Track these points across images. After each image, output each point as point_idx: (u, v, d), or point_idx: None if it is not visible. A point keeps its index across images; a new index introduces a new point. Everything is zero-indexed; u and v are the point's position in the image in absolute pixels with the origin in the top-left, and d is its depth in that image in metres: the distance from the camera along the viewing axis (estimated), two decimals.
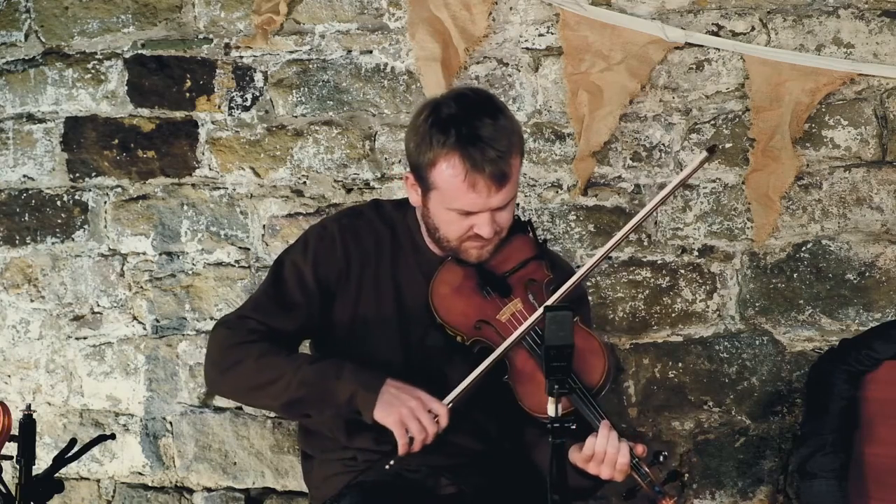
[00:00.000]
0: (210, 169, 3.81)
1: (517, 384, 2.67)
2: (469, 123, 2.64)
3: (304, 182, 3.77)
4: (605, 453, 2.52)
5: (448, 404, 2.64)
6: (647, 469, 2.53)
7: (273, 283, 2.87)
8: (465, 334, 2.73)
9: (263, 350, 2.73)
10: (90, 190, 3.84)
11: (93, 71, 3.83)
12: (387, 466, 2.66)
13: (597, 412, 2.59)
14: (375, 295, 2.83)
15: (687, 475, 3.69)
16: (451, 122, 2.65)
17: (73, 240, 3.85)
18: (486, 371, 2.65)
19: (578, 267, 3.64)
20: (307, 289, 2.82)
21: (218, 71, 3.79)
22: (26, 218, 3.86)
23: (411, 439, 2.62)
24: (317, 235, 2.90)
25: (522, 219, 2.86)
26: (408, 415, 2.60)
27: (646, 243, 3.68)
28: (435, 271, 2.79)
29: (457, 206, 2.67)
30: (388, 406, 2.62)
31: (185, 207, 3.81)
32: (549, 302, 2.66)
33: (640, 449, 2.54)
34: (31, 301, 3.85)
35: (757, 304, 3.66)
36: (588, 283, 3.66)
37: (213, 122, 3.80)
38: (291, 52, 3.77)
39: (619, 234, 2.72)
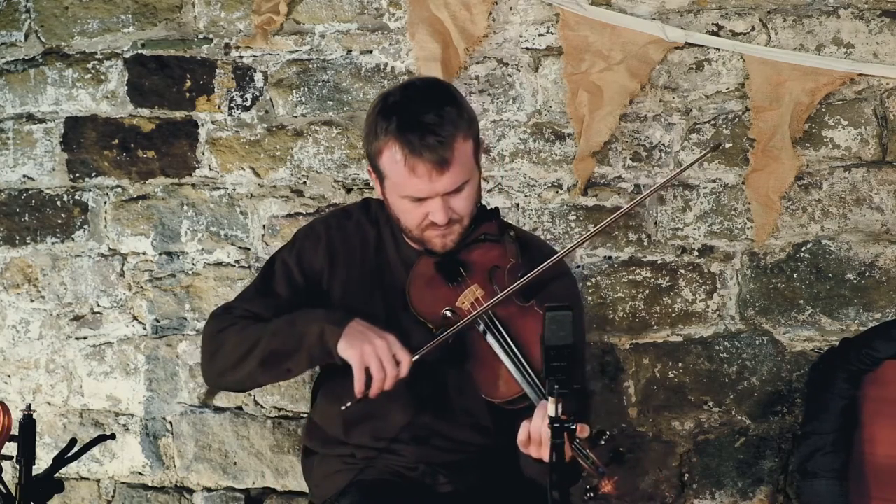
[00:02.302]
0: (210, 169, 3.81)
1: (474, 371, 2.69)
2: (410, 110, 2.67)
3: (304, 182, 3.77)
4: (539, 435, 2.48)
5: (414, 356, 2.62)
6: (588, 451, 2.47)
7: (262, 278, 2.92)
8: (435, 324, 2.74)
9: (245, 325, 2.77)
10: (90, 190, 3.84)
11: (93, 71, 3.83)
12: (342, 408, 2.62)
13: (538, 391, 2.57)
14: (363, 293, 2.85)
15: (687, 475, 3.69)
16: (393, 109, 2.69)
17: (73, 240, 3.85)
18: (448, 338, 2.66)
19: (578, 268, 3.65)
20: (294, 283, 2.85)
21: (218, 71, 3.79)
22: (26, 218, 3.86)
23: (369, 383, 2.60)
24: (304, 234, 2.95)
25: (488, 208, 2.87)
26: (370, 352, 2.58)
27: (646, 243, 3.68)
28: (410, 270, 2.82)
29: (405, 192, 2.69)
30: (352, 339, 2.60)
31: (185, 207, 3.81)
32: (515, 286, 2.67)
33: (580, 428, 2.47)
34: (31, 301, 3.85)
35: (757, 304, 3.66)
36: (588, 283, 3.66)
37: (213, 122, 3.80)
38: (291, 52, 3.77)
39: (608, 220, 2.78)
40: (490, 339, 2.67)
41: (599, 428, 2.47)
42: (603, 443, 2.45)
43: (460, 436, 2.82)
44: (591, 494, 2.45)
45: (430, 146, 2.63)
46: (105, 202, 3.84)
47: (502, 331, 2.67)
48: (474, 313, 2.67)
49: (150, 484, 3.83)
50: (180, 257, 3.81)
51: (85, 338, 3.84)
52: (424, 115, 2.66)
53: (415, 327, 2.78)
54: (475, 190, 2.76)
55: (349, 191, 3.75)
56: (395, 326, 2.79)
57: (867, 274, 3.63)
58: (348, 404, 2.62)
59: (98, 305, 3.84)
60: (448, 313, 2.74)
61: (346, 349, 2.60)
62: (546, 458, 2.43)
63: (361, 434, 2.81)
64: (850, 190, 3.63)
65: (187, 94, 3.81)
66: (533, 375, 2.60)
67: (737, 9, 3.64)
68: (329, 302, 2.85)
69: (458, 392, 2.80)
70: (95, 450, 3.21)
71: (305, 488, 3.08)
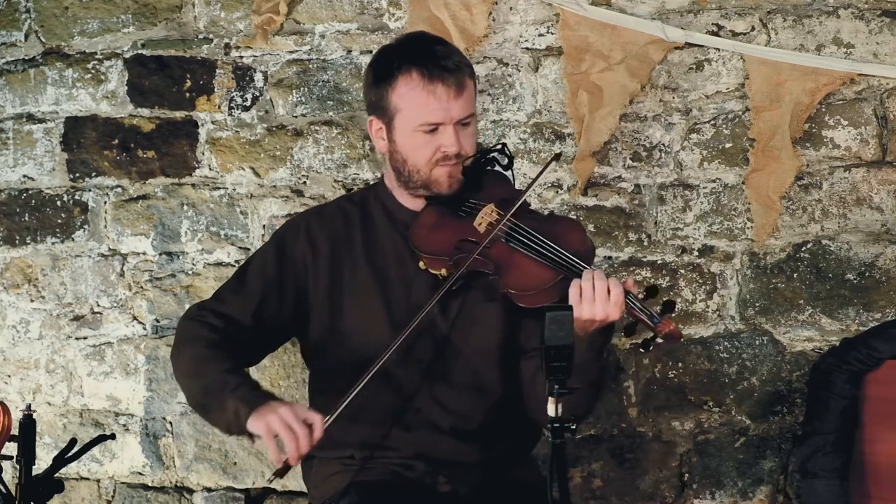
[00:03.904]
0: (210, 169, 3.81)
1: (502, 277, 2.70)
2: (420, 45, 2.84)
3: (304, 182, 3.77)
4: (593, 288, 2.55)
5: (326, 418, 2.64)
6: (641, 303, 2.55)
7: (238, 272, 2.97)
8: (448, 255, 2.75)
9: (200, 351, 2.80)
10: (90, 190, 3.84)
11: (93, 71, 3.83)
12: (269, 481, 2.68)
13: (575, 270, 2.62)
14: (350, 269, 2.88)
15: (687, 475, 3.69)
16: (401, 49, 2.85)
17: (73, 240, 3.85)
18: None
19: None
20: (266, 276, 2.90)
21: (218, 71, 3.79)
22: (26, 218, 3.86)
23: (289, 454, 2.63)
24: (284, 226, 3.02)
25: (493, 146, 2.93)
26: (275, 420, 2.61)
27: (646, 243, 3.68)
28: (410, 226, 2.85)
29: (420, 120, 2.76)
30: (258, 414, 2.64)
31: (185, 207, 3.81)
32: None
33: (629, 282, 2.60)
34: (31, 301, 3.85)
35: (757, 304, 3.66)
36: None
37: (213, 122, 3.80)
38: (291, 52, 3.77)
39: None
40: (515, 244, 2.72)
41: (653, 284, 2.58)
42: (655, 294, 2.54)
43: (460, 403, 2.81)
44: (651, 343, 2.53)
45: (448, 69, 2.76)
46: (105, 202, 3.84)
47: (528, 230, 2.72)
48: (503, 219, 2.72)
49: (150, 484, 3.83)
50: (180, 257, 3.81)
51: (85, 338, 3.84)
52: (435, 47, 2.82)
53: (414, 287, 2.81)
54: (476, 131, 2.87)
55: (349, 191, 3.75)
56: (389, 293, 2.82)
57: (867, 274, 3.63)
58: (271, 478, 2.65)
59: (98, 305, 3.84)
60: (462, 244, 2.75)
61: (254, 423, 2.65)
62: (600, 315, 2.53)
63: (361, 434, 2.81)
64: (850, 190, 3.63)
65: (187, 94, 3.81)
66: (568, 258, 2.65)
67: (737, 9, 3.64)
68: (312, 287, 2.88)
69: (458, 352, 2.81)
70: (95, 450, 3.20)
71: (305, 488, 3.08)
